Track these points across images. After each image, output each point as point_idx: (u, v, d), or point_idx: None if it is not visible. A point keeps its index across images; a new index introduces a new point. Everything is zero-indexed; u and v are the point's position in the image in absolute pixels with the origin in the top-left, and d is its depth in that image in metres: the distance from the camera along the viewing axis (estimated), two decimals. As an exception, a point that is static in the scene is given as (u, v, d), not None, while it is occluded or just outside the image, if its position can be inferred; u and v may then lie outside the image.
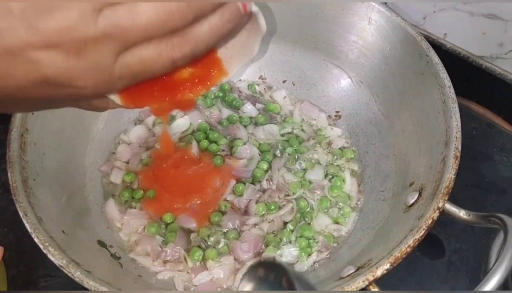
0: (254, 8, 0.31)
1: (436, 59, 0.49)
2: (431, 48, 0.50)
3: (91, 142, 0.57)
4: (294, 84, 0.65)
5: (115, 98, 0.32)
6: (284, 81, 0.66)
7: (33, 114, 0.49)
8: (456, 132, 0.43)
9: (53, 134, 0.51)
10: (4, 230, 0.59)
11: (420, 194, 0.43)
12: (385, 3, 0.77)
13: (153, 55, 0.27)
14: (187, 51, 0.28)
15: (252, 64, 0.66)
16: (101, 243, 0.50)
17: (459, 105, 0.68)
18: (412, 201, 0.44)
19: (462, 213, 0.40)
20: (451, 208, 0.40)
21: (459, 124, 0.44)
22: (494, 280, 0.32)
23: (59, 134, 0.52)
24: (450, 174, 0.40)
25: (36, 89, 0.27)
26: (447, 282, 0.54)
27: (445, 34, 0.75)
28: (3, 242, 0.52)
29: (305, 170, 0.57)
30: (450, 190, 0.40)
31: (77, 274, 0.39)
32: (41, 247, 0.41)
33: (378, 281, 0.37)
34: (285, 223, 0.53)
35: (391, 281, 0.52)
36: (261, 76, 0.66)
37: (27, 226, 0.42)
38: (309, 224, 0.52)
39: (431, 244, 0.57)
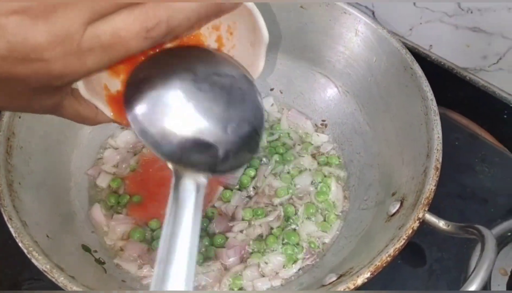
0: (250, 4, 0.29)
1: (419, 72, 0.50)
2: (415, 61, 0.51)
3: (77, 147, 0.57)
4: (281, 92, 0.66)
5: (104, 108, 0.32)
6: (271, 89, 0.66)
7: (20, 117, 0.49)
8: (437, 144, 0.44)
9: (40, 138, 0.51)
10: None
11: (401, 204, 0.44)
12: (373, 13, 0.79)
13: (124, 23, 0.24)
14: (162, 18, 0.25)
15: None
16: (86, 248, 0.50)
17: (443, 115, 0.70)
18: (394, 210, 0.44)
19: (441, 224, 0.41)
20: (431, 218, 0.41)
21: (440, 136, 0.45)
22: (471, 288, 0.33)
23: (45, 139, 0.52)
24: (430, 185, 0.41)
25: (1, 64, 0.24)
26: (428, 290, 0.55)
27: (431, 45, 0.77)
28: None
29: (291, 176, 0.57)
30: (431, 201, 0.41)
31: (60, 280, 0.39)
32: (25, 251, 0.41)
33: (360, 289, 0.38)
34: (271, 229, 0.53)
35: (374, 288, 0.53)
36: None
37: (12, 230, 0.42)
38: (295, 230, 0.53)
39: (413, 252, 0.57)
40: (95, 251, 0.50)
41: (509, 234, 0.58)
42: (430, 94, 0.48)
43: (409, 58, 0.51)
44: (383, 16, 0.80)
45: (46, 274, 0.40)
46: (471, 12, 0.69)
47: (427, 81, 0.50)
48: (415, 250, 0.57)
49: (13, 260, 0.56)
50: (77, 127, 0.58)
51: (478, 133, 0.70)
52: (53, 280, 0.40)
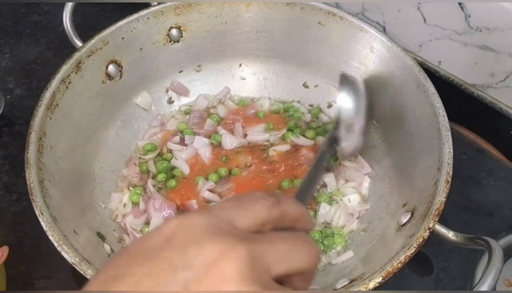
0: None
1: (432, 89, 0.52)
2: (428, 79, 0.53)
3: (101, 148, 0.59)
4: (299, 102, 0.68)
5: None
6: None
7: (51, 119, 0.52)
8: (448, 159, 0.46)
9: (68, 139, 0.54)
10: (5, 231, 0.61)
11: (412, 215, 0.46)
12: (384, 28, 0.82)
13: None
14: None
15: (259, 84, 0.70)
16: (101, 237, 0.52)
17: (451, 130, 0.72)
18: (404, 221, 0.47)
19: (450, 234, 0.43)
20: (441, 229, 0.43)
21: (451, 151, 0.47)
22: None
23: (73, 139, 0.55)
24: (441, 197, 0.44)
25: None
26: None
27: (440, 61, 0.79)
28: (4, 243, 0.54)
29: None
30: (441, 212, 0.43)
31: (88, 272, 0.41)
32: (56, 244, 0.43)
33: None
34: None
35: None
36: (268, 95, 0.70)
37: (43, 224, 0.44)
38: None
39: (420, 261, 0.59)
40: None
41: (514, 246, 0.60)
42: (442, 111, 0.50)
43: (422, 75, 0.53)
44: (393, 32, 0.83)
45: (75, 266, 0.42)
46: (480, 31, 0.71)
47: (439, 98, 0.52)
48: (423, 259, 0.59)
49: (27, 258, 0.59)
50: (102, 129, 0.61)
51: (485, 148, 0.72)
52: (82, 272, 0.42)
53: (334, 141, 0.55)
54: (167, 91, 0.67)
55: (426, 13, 0.76)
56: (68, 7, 0.59)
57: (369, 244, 0.51)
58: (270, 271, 0.27)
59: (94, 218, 0.54)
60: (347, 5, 0.85)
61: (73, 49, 0.60)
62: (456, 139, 0.71)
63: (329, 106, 0.67)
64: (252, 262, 0.26)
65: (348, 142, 0.54)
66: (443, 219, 0.46)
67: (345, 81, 0.56)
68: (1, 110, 0.75)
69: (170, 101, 0.67)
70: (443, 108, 0.51)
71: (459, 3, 0.72)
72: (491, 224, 0.63)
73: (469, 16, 0.72)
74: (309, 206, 0.56)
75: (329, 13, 0.61)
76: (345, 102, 0.54)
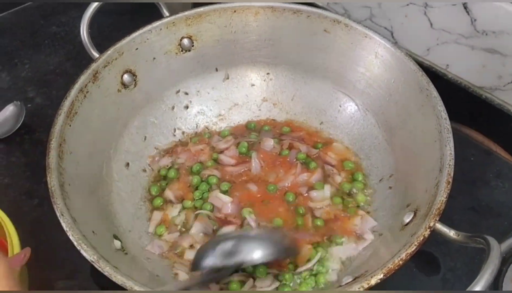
0: None
1: (435, 93, 0.54)
2: (430, 83, 0.55)
3: (118, 154, 0.62)
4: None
5: None
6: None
7: (70, 126, 0.55)
8: (450, 160, 0.48)
9: (86, 145, 0.57)
10: (26, 235, 0.61)
11: (415, 214, 0.48)
12: (392, 34, 0.83)
13: None
14: None
15: (267, 90, 0.72)
16: (118, 239, 0.54)
17: (459, 132, 0.74)
18: (407, 220, 0.48)
19: (452, 233, 0.44)
20: (442, 228, 0.44)
21: (453, 152, 0.49)
22: (477, 288, 0.36)
23: (91, 145, 0.57)
24: (442, 197, 0.45)
25: None
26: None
27: (447, 65, 0.80)
28: (24, 246, 0.55)
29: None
30: (441, 211, 0.45)
31: (106, 269, 0.44)
32: (75, 243, 0.45)
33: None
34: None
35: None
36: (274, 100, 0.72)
37: (64, 225, 0.46)
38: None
39: (428, 261, 0.60)
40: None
41: (522, 246, 0.61)
42: (444, 113, 0.52)
43: (425, 79, 0.55)
44: (401, 37, 0.84)
45: (93, 264, 0.45)
46: (486, 34, 0.73)
47: (441, 101, 0.53)
48: (430, 259, 0.61)
49: (47, 261, 0.61)
50: (117, 135, 0.63)
51: (493, 150, 0.73)
52: (100, 269, 0.44)
53: None
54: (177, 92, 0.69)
55: (432, 18, 0.78)
56: (85, 20, 0.62)
57: (374, 242, 0.52)
58: None
59: (111, 221, 0.56)
60: (356, 11, 0.87)
61: (90, 59, 0.63)
62: (465, 141, 0.74)
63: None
64: None
65: None
66: (450, 220, 0.47)
67: None
68: (23, 118, 0.77)
69: (186, 107, 0.70)
70: (445, 111, 0.52)
71: (465, 8, 0.73)
72: (499, 225, 0.64)
73: (475, 20, 0.73)
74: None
75: (334, 21, 0.63)
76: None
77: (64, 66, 0.88)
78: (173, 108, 0.69)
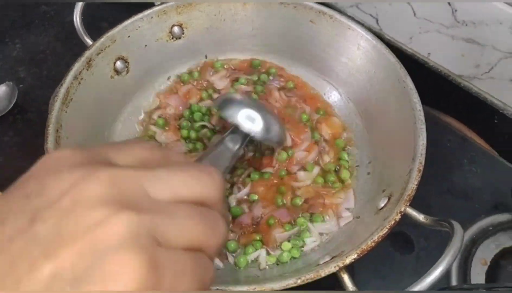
0: None
1: (411, 85, 0.57)
2: (408, 75, 0.58)
3: (111, 138, 0.64)
4: (292, 94, 0.73)
5: None
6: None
7: (66, 112, 0.57)
8: (422, 150, 0.51)
9: (82, 130, 0.59)
10: None
11: (389, 199, 0.52)
12: (377, 20, 0.86)
13: None
14: None
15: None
16: None
17: (438, 119, 0.77)
18: (382, 205, 0.52)
19: (421, 217, 0.48)
20: (412, 212, 0.48)
21: (425, 143, 0.52)
22: (435, 273, 0.41)
23: (86, 130, 0.60)
24: (413, 184, 0.49)
25: None
26: (416, 273, 0.63)
27: (429, 53, 0.83)
28: None
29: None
30: (412, 197, 0.48)
31: None
32: None
33: (354, 268, 0.44)
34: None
35: (368, 271, 0.60)
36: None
37: None
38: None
39: (403, 242, 0.64)
40: None
41: (491, 228, 0.65)
42: (418, 105, 0.55)
43: (403, 72, 0.58)
44: (386, 24, 0.87)
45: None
46: (466, 25, 0.75)
47: (417, 94, 0.56)
48: (405, 239, 0.65)
49: None
50: (111, 120, 0.66)
51: (468, 136, 0.77)
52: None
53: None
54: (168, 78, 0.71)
55: (415, 7, 0.80)
56: (79, 7, 0.64)
57: (352, 226, 0.56)
58: (145, 194, 0.24)
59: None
60: (342, -1, 0.89)
61: (79, 40, 0.65)
62: (442, 127, 0.77)
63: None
64: (116, 185, 0.23)
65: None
66: (426, 203, 0.51)
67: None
68: (15, 99, 0.79)
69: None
70: (420, 103, 0.55)
71: (446, -2, 0.75)
72: (471, 208, 0.68)
73: (455, 10, 0.76)
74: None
75: (319, 12, 0.65)
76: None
77: (54, 46, 0.89)
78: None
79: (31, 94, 0.82)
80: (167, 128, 0.65)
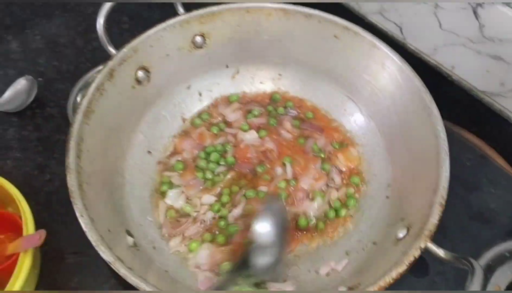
0: None
1: (436, 112, 0.56)
2: (433, 101, 0.57)
3: (130, 148, 0.65)
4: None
5: None
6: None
7: (87, 124, 0.57)
8: (444, 182, 0.50)
9: (101, 142, 0.59)
10: (39, 209, 0.64)
11: (408, 231, 0.51)
12: (401, 29, 0.84)
13: None
14: None
15: (273, 83, 0.74)
16: (129, 233, 0.57)
17: (458, 135, 0.76)
18: (401, 236, 0.51)
19: (441, 252, 0.48)
20: (432, 247, 0.48)
21: (448, 175, 0.51)
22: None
23: (106, 142, 0.60)
24: (434, 219, 0.48)
25: None
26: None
27: (453, 66, 0.82)
28: (38, 220, 0.59)
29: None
30: (433, 234, 0.48)
31: (122, 271, 0.47)
32: (94, 244, 0.48)
33: None
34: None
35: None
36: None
37: (83, 225, 0.49)
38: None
39: (417, 264, 0.64)
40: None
41: (507, 254, 0.64)
42: (443, 134, 0.54)
43: (428, 98, 0.57)
44: (410, 33, 0.85)
45: (110, 265, 0.48)
46: (493, 41, 0.74)
47: (441, 122, 0.55)
48: (420, 262, 0.64)
49: (59, 235, 0.64)
50: (130, 130, 0.66)
51: (489, 155, 0.75)
52: (116, 270, 0.47)
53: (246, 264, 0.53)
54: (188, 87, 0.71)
55: (442, 18, 0.78)
56: (102, 14, 0.63)
57: (368, 251, 0.56)
58: None
59: (123, 215, 0.59)
60: (367, 4, 0.87)
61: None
62: (462, 144, 0.76)
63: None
64: None
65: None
66: (441, 223, 0.49)
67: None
68: (35, 93, 0.79)
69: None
70: (444, 131, 0.55)
71: (474, 13, 0.74)
72: (488, 231, 0.67)
73: (483, 26, 0.74)
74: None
75: (344, 28, 0.64)
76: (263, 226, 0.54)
77: (74, 38, 0.89)
78: (184, 100, 0.71)
79: (50, 89, 0.82)
80: (181, 171, 0.66)
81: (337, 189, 0.63)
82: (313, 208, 0.61)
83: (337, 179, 0.64)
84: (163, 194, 0.64)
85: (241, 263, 0.52)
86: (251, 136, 0.66)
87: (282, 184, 0.62)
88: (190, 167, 0.66)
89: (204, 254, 0.58)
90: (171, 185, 0.64)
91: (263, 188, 0.62)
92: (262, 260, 0.52)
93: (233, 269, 0.53)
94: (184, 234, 0.60)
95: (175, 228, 0.60)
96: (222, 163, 0.66)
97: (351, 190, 0.63)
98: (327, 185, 0.63)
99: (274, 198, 0.60)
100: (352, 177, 0.64)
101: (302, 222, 0.60)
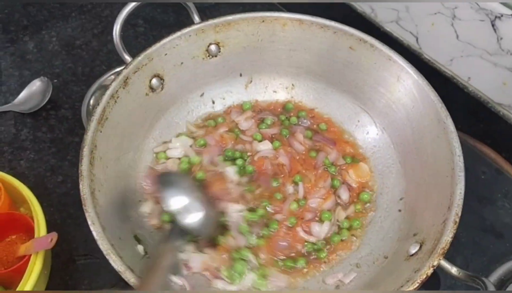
0: None
1: (452, 127, 0.55)
2: (449, 116, 0.56)
3: (143, 154, 0.65)
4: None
5: None
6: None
7: (101, 132, 0.57)
8: (459, 199, 0.50)
9: (114, 148, 0.59)
10: (51, 210, 0.67)
11: (420, 247, 0.51)
12: (417, 39, 0.83)
13: None
14: None
15: (287, 92, 0.74)
16: (138, 239, 0.57)
17: (473, 148, 0.75)
18: (413, 251, 0.51)
19: (453, 270, 0.47)
20: (445, 264, 0.47)
21: (463, 192, 0.50)
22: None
23: (118, 149, 0.60)
24: (447, 237, 0.48)
25: None
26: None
27: (469, 77, 0.81)
28: (49, 221, 0.60)
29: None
30: (446, 251, 0.47)
31: (132, 281, 0.47)
32: (104, 253, 0.49)
33: None
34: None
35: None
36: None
37: (95, 234, 0.49)
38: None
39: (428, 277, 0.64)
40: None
41: (520, 271, 0.63)
42: (458, 150, 0.53)
43: (444, 112, 0.56)
44: (426, 43, 0.84)
45: (120, 273, 0.48)
46: (511, 54, 0.73)
47: (457, 137, 0.55)
48: (432, 275, 0.64)
49: (70, 236, 0.65)
50: (143, 136, 0.66)
51: (504, 168, 0.75)
52: (126, 279, 0.48)
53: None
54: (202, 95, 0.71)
55: (459, 30, 0.78)
56: (118, 22, 0.64)
57: (379, 265, 0.55)
58: None
59: (133, 221, 0.59)
60: (383, 12, 0.86)
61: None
62: (477, 157, 0.75)
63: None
64: None
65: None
66: (454, 236, 0.48)
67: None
68: (49, 94, 0.80)
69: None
70: (460, 148, 0.54)
71: (493, 25, 0.73)
72: (500, 246, 0.66)
73: (501, 38, 0.73)
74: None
75: (360, 40, 0.63)
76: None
77: (90, 41, 0.90)
78: (196, 108, 0.71)
79: (65, 90, 0.83)
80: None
81: (345, 208, 0.62)
82: (321, 232, 0.60)
83: (345, 196, 0.63)
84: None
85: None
86: (265, 147, 0.66)
87: (294, 206, 0.62)
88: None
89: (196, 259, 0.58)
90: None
91: (278, 217, 0.61)
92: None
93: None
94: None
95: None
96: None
97: (359, 207, 0.63)
98: (337, 203, 0.62)
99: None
100: (362, 194, 0.63)
101: (309, 248, 0.60)
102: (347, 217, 0.62)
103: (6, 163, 0.73)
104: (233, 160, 0.65)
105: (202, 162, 0.65)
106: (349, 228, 0.61)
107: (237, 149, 0.67)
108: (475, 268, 0.64)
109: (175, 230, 0.55)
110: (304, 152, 0.66)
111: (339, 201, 0.63)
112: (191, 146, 0.67)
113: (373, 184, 0.65)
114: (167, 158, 0.66)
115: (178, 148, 0.67)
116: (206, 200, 0.58)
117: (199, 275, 0.57)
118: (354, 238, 0.60)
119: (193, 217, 0.55)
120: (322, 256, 0.59)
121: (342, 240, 0.60)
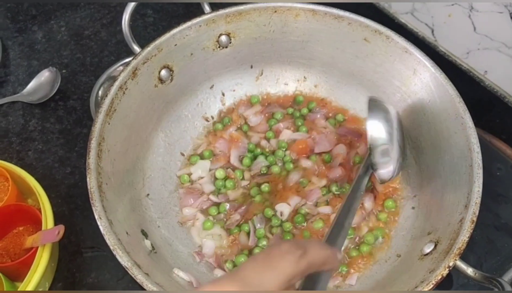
0: None
1: (470, 123, 0.53)
2: (467, 111, 0.54)
3: (152, 147, 0.64)
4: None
5: None
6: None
7: (109, 124, 0.56)
8: (476, 198, 0.48)
9: (123, 141, 0.58)
10: (58, 202, 0.67)
11: (435, 247, 0.49)
12: (432, 31, 0.81)
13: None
14: None
15: (298, 85, 0.72)
16: (145, 234, 0.56)
17: (489, 143, 0.73)
18: (428, 251, 0.49)
19: (469, 271, 0.46)
20: (461, 265, 0.46)
21: (481, 190, 0.49)
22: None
23: (127, 141, 0.59)
24: (464, 237, 0.46)
25: None
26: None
27: (486, 71, 0.79)
28: (57, 213, 0.59)
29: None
30: (462, 251, 0.46)
31: (139, 277, 0.46)
32: (111, 248, 0.48)
33: None
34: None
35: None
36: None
37: (101, 228, 0.49)
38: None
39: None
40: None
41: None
42: (476, 147, 0.51)
43: (462, 107, 0.54)
44: (442, 35, 0.82)
45: (127, 269, 0.47)
46: (530, 48, 0.71)
47: (475, 133, 0.53)
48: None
49: (77, 228, 0.64)
50: (152, 129, 0.65)
51: (520, 166, 0.73)
52: (133, 276, 0.47)
53: (370, 167, 0.56)
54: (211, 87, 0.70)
55: (476, 22, 0.76)
56: (127, 12, 0.62)
57: (392, 264, 0.54)
58: None
59: (141, 215, 0.58)
60: (398, 3, 0.84)
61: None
62: (493, 153, 0.73)
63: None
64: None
65: (384, 168, 0.56)
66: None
67: (374, 106, 0.58)
68: (58, 85, 0.79)
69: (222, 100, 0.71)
70: (478, 144, 0.52)
71: (511, 17, 0.70)
72: (514, 246, 0.64)
73: (520, 31, 0.71)
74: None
75: (375, 31, 0.62)
76: (375, 128, 0.56)
77: (99, 31, 0.89)
78: (206, 100, 0.70)
79: (74, 81, 0.82)
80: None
81: (368, 219, 0.60)
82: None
83: (369, 204, 0.60)
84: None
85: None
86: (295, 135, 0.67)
87: (319, 225, 0.60)
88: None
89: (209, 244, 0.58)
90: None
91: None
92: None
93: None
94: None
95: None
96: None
97: (384, 217, 0.60)
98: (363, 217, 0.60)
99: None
100: (387, 201, 0.61)
101: None
102: (369, 230, 0.59)
103: (14, 154, 0.72)
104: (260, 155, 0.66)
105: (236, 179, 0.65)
106: (369, 243, 0.59)
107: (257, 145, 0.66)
108: (489, 267, 0.63)
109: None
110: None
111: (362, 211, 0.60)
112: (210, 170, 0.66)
113: (398, 188, 0.62)
114: (191, 181, 0.65)
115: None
116: None
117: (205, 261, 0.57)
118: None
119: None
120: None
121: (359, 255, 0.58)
